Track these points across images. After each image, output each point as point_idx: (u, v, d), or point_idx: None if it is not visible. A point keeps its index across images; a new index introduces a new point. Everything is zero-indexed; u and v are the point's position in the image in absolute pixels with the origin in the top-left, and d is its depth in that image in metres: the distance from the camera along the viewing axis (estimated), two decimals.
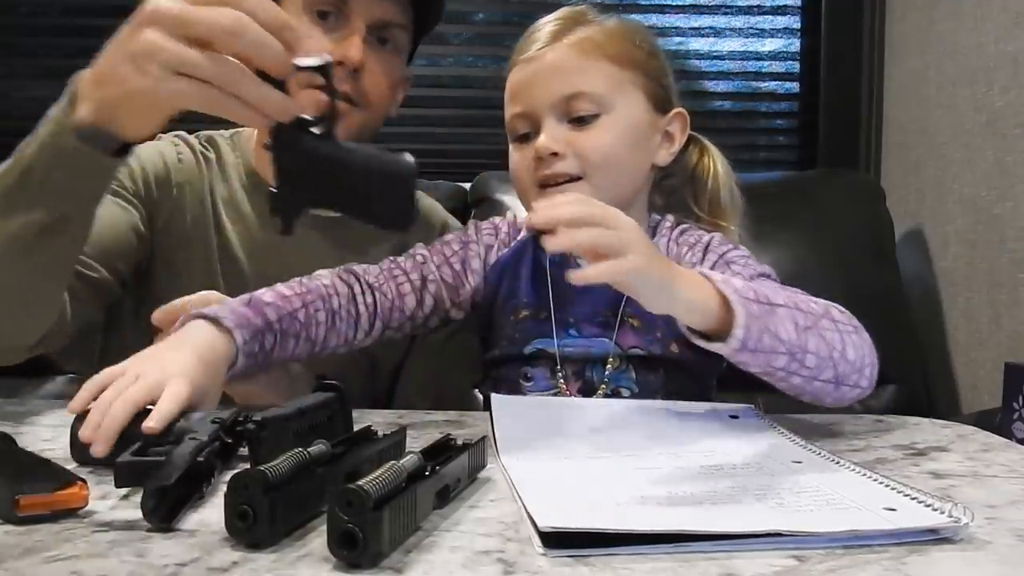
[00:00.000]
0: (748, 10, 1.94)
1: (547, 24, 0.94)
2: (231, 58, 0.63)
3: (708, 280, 0.70)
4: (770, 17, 1.94)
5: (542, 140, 0.90)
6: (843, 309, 0.78)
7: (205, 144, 1.13)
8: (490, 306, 0.98)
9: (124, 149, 0.75)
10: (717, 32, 1.94)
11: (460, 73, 2.00)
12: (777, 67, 1.98)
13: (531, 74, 0.92)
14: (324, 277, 0.89)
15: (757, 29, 1.94)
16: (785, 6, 1.94)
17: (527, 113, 0.92)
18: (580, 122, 0.90)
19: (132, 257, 1.03)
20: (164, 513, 0.49)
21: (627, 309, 0.92)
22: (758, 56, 1.96)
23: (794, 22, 1.94)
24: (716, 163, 1.00)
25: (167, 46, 0.62)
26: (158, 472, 0.51)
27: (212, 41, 0.63)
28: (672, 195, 1.01)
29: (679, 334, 0.89)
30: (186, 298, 0.82)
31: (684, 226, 0.97)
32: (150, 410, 0.68)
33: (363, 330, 0.90)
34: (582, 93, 0.90)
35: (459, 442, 0.59)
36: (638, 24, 1.02)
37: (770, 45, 1.96)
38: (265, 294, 0.83)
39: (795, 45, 1.94)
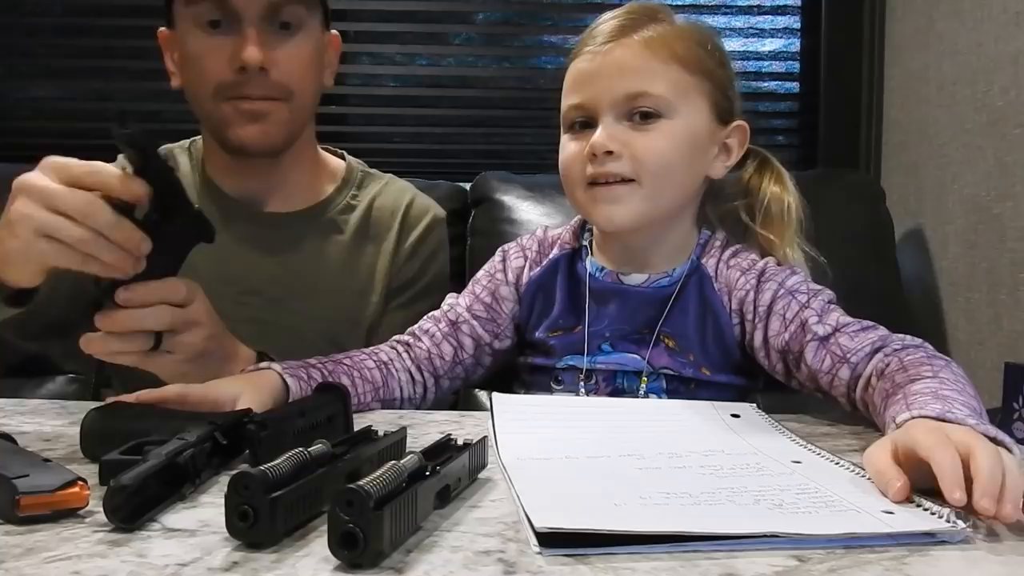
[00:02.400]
0: (748, 10, 1.94)
1: (617, 17, 0.90)
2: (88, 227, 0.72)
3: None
4: (770, 17, 1.94)
5: (599, 137, 0.86)
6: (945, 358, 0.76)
7: None
8: (526, 324, 0.98)
9: (22, 295, 0.82)
10: (717, 32, 1.94)
11: (460, 73, 2.00)
12: (777, 67, 1.98)
13: (596, 67, 0.88)
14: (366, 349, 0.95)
15: (757, 29, 1.94)
16: (785, 6, 1.93)
17: (585, 105, 0.88)
18: (640, 123, 0.87)
19: None
20: (126, 513, 0.49)
21: (664, 328, 0.91)
22: (758, 56, 1.96)
23: (794, 22, 1.94)
24: (773, 179, 0.95)
25: (34, 214, 0.72)
26: (128, 471, 0.50)
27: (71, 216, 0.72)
28: (726, 210, 0.97)
29: (711, 360, 0.90)
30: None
31: (736, 247, 0.94)
32: (153, 409, 0.69)
33: (419, 383, 0.94)
34: (646, 94, 0.86)
35: (459, 442, 0.59)
36: (711, 29, 0.97)
37: (770, 45, 1.96)
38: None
39: (795, 45, 1.94)
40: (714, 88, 0.90)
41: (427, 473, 0.51)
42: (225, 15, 0.97)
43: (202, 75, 0.99)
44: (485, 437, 0.62)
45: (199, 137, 1.13)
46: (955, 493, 0.51)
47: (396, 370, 0.92)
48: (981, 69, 1.43)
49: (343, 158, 1.19)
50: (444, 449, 0.58)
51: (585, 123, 0.89)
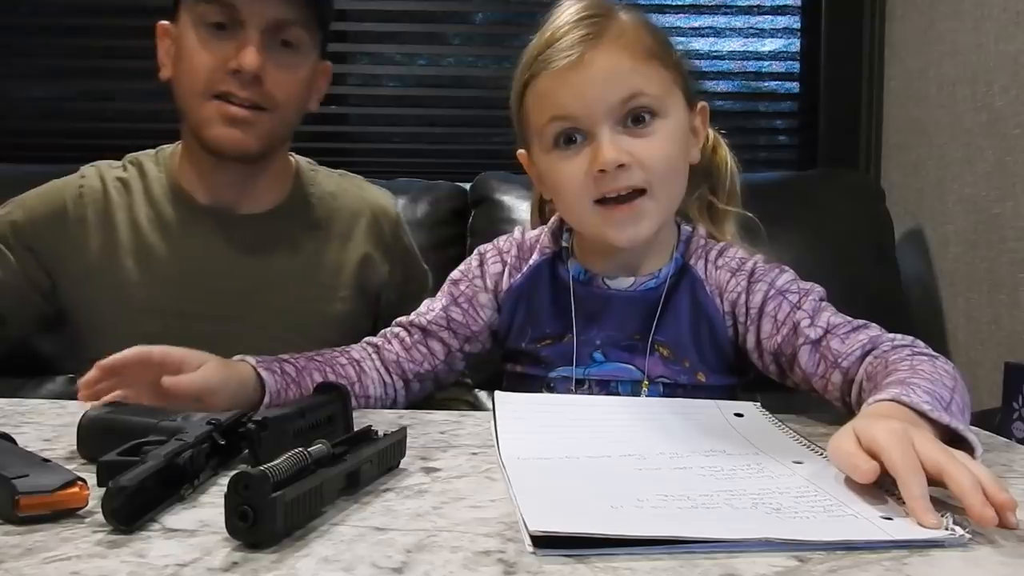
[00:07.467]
0: (748, 10, 1.94)
1: (577, 23, 0.84)
2: None
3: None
4: (770, 17, 1.94)
5: (608, 152, 0.81)
6: (934, 354, 0.76)
7: (128, 166, 1.12)
8: (507, 333, 0.95)
9: None
10: (717, 32, 1.94)
11: (460, 73, 2.00)
12: (777, 67, 1.98)
13: (579, 77, 0.82)
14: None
15: (757, 29, 1.94)
16: (785, 6, 1.93)
17: (577, 115, 0.83)
18: (636, 128, 0.83)
19: (30, 298, 1.06)
20: (126, 515, 0.49)
21: (657, 337, 0.88)
22: (758, 56, 1.96)
23: (794, 22, 1.94)
24: (727, 151, 0.97)
25: None
26: (127, 473, 0.50)
27: None
28: (695, 196, 0.96)
29: (708, 364, 0.89)
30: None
31: (720, 245, 0.92)
32: (153, 409, 0.68)
33: (389, 385, 0.94)
34: (642, 93, 0.82)
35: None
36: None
37: (770, 45, 1.96)
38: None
39: (795, 45, 1.94)
40: (681, 77, 0.88)
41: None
42: (230, 20, 0.99)
43: (195, 71, 1.00)
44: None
45: (168, 146, 1.14)
46: (928, 519, 0.50)
47: (368, 369, 0.92)
48: (981, 69, 1.43)
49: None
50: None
51: (570, 137, 0.84)
